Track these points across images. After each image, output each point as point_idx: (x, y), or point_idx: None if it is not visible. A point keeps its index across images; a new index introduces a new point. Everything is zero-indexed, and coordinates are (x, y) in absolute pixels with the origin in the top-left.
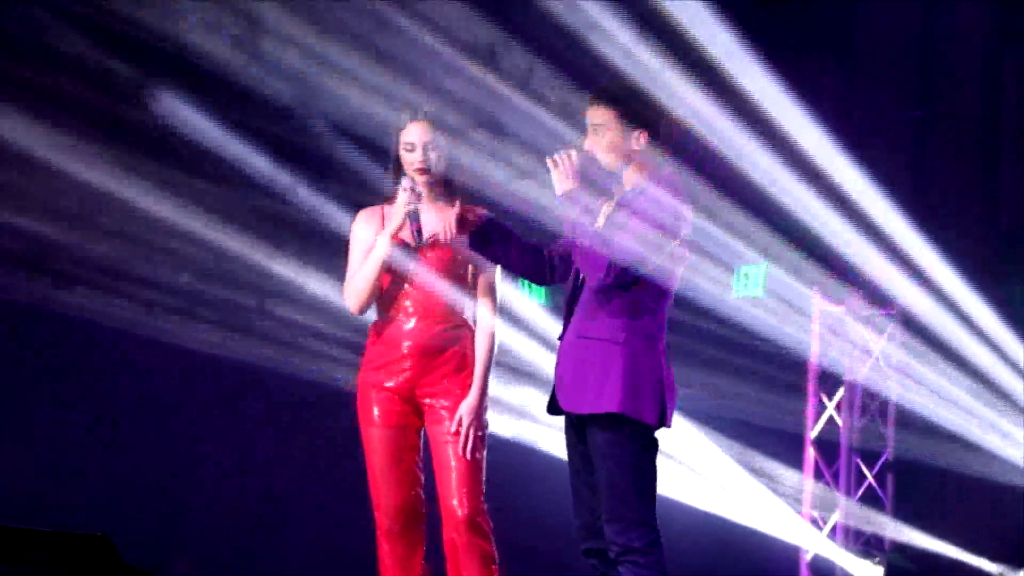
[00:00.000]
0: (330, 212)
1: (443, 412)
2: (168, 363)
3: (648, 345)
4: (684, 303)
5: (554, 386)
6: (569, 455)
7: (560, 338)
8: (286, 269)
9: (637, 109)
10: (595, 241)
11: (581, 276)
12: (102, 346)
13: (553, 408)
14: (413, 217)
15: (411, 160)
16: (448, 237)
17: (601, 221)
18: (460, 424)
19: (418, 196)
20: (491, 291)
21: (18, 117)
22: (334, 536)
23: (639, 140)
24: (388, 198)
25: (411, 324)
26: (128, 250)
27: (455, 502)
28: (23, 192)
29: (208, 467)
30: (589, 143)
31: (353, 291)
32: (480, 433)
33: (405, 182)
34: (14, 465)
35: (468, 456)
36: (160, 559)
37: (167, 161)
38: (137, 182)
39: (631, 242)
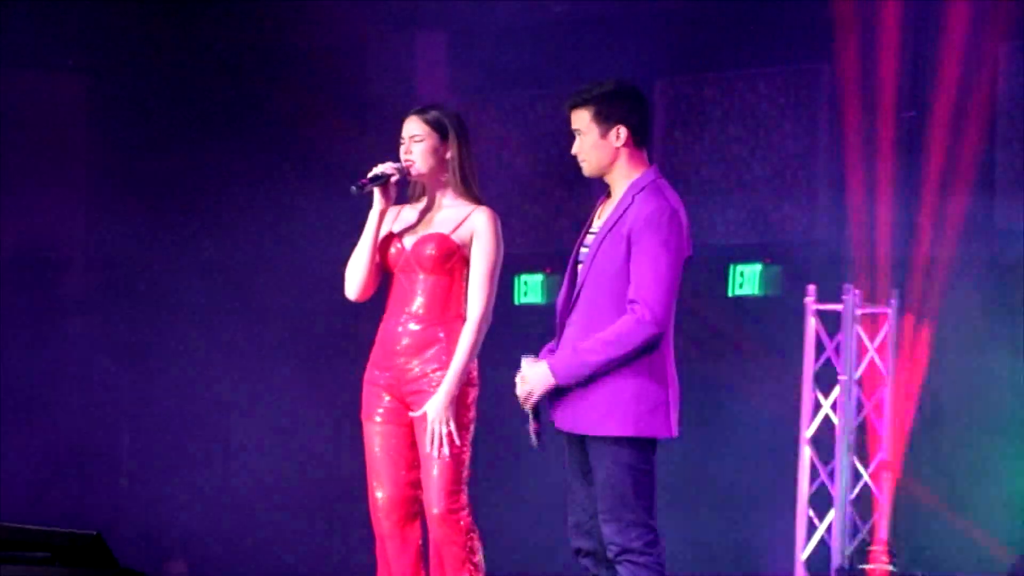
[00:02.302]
0: None
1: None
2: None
3: (655, 360)
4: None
5: (551, 403)
6: (565, 452)
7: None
8: None
9: (612, 106)
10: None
11: (576, 290)
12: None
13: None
14: (379, 178)
15: (401, 153)
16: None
17: (598, 224)
18: (427, 420)
19: (399, 170)
20: (480, 286)
21: None
22: (335, 533)
23: (619, 136)
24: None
25: (400, 320)
26: None
27: (427, 500)
28: None
29: (205, 465)
30: (575, 148)
31: (345, 275)
32: (449, 429)
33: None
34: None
35: (437, 453)
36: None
37: None
38: None
39: (657, 282)
